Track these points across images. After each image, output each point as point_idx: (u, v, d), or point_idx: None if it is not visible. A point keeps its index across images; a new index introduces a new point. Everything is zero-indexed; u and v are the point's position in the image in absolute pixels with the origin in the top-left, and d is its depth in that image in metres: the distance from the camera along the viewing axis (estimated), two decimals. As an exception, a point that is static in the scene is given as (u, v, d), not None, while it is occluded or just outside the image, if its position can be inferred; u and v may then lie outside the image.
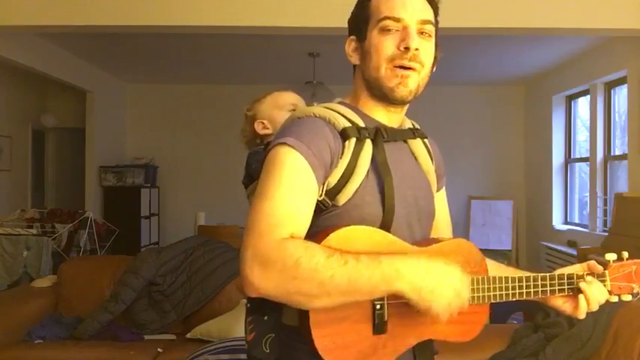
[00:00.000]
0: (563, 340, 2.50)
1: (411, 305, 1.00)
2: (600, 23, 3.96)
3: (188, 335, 3.27)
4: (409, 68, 1.13)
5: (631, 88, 4.99)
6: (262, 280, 0.96)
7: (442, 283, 0.99)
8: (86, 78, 6.56)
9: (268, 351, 1.19)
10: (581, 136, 6.58)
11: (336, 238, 1.03)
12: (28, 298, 3.56)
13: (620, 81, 5.36)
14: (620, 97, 5.54)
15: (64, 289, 3.60)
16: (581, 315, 1.18)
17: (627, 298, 1.22)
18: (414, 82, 1.15)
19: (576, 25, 3.97)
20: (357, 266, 0.96)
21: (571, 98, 6.64)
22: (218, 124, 7.68)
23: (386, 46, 1.13)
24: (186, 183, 7.77)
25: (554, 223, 6.67)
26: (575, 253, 5.45)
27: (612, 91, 5.62)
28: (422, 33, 1.14)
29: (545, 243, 6.55)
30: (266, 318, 1.20)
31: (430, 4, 1.18)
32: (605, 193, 5.62)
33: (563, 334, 2.52)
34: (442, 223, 1.35)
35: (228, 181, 7.86)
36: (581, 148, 6.52)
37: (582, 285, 1.17)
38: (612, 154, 5.60)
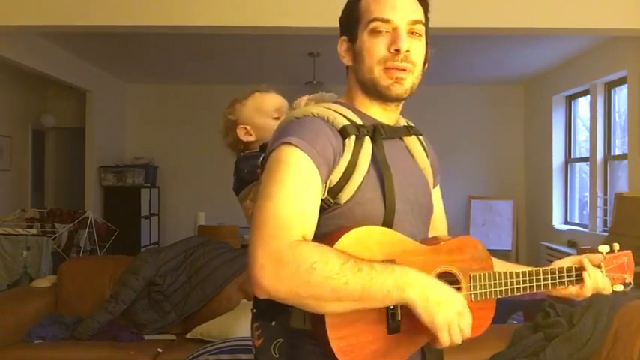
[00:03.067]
0: (563, 340, 2.50)
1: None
2: (600, 23, 3.96)
3: (188, 335, 3.27)
4: (402, 69, 1.14)
5: (631, 88, 4.99)
6: (274, 283, 0.95)
7: (448, 300, 0.99)
8: (86, 78, 6.56)
9: (277, 356, 1.16)
10: (581, 136, 6.57)
11: (348, 239, 1.02)
12: (28, 298, 3.56)
13: (620, 81, 5.36)
14: (620, 97, 5.54)
15: (64, 289, 3.60)
16: (587, 293, 1.24)
17: (619, 288, 1.28)
18: (408, 81, 1.16)
19: (576, 25, 3.97)
20: (370, 274, 0.95)
21: (571, 98, 6.63)
22: (218, 124, 7.66)
23: (377, 48, 1.13)
24: (186, 183, 7.77)
25: (554, 223, 6.67)
26: (575, 253, 5.44)
27: (612, 91, 5.61)
28: (412, 33, 1.14)
29: (545, 243, 6.54)
30: (273, 323, 1.16)
31: (420, 2, 1.18)
32: (605, 193, 5.62)
33: (563, 334, 2.52)
34: (438, 219, 1.36)
35: (229, 181, 7.84)
36: (581, 148, 6.52)
37: (585, 274, 1.23)
38: (612, 154, 5.60)
